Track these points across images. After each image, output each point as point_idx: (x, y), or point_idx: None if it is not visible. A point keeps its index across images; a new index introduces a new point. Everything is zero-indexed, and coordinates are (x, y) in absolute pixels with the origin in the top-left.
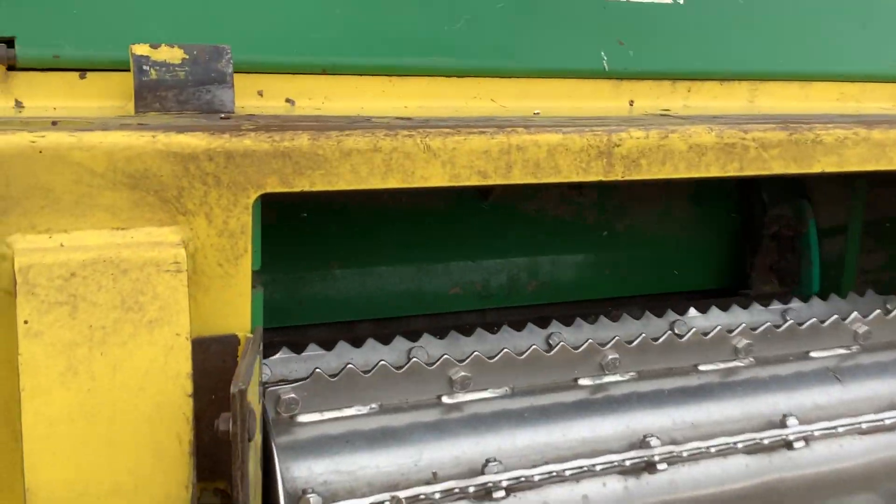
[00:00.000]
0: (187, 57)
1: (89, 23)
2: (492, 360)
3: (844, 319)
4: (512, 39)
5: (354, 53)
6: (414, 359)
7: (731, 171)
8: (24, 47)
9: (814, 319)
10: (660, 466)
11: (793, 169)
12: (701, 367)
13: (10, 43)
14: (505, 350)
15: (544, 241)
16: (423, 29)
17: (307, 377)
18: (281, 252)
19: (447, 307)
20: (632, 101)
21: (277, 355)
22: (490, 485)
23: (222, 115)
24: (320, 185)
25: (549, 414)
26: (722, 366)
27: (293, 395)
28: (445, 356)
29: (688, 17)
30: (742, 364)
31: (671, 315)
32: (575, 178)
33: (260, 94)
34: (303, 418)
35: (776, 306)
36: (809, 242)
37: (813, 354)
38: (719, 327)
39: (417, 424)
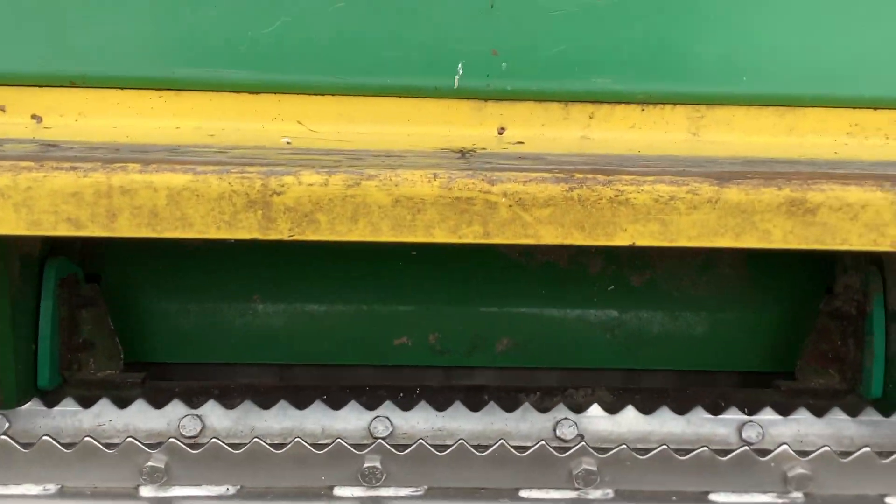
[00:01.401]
0: None
1: None
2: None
3: None
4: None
5: (115, 63)
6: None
7: (470, 236)
8: None
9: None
10: None
11: (577, 239)
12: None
13: None
14: None
15: (526, 290)
16: (209, 33)
17: None
18: (203, 281)
19: (392, 359)
20: (502, 129)
21: None
22: None
23: None
24: None
25: None
26: None
27: None
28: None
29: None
30: None
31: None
32: (214, 235)
33: (2, 109)
34: None
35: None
36: (872, 326)
37: None
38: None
39: None
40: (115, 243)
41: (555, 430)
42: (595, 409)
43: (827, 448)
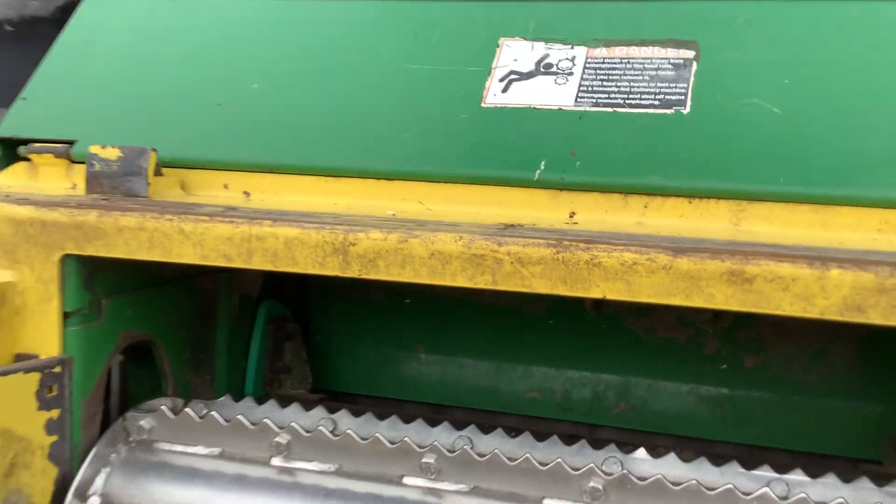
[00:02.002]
0: (122, 155)
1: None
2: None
3: None
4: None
5: (299, 157)
6: None
7: (482, 283)
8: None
9: None
10: None
11: (562, 290)
12: None
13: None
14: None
15: (647, 363)
16: (361, 136)
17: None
18: (382, 329)
19: (524, 410)
20: (572, 213)
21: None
22: None
23: (139, 198)
24: (104, 252)
25: None
26: None
27: (144, 424)
28: None
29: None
30: None
31: None
32: (312, 271)
33: (225, 186)
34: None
35: None
36: None
37: None
38: None
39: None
40: (320, 293)
41: (601, 467)
42: (641, 452)
43: None
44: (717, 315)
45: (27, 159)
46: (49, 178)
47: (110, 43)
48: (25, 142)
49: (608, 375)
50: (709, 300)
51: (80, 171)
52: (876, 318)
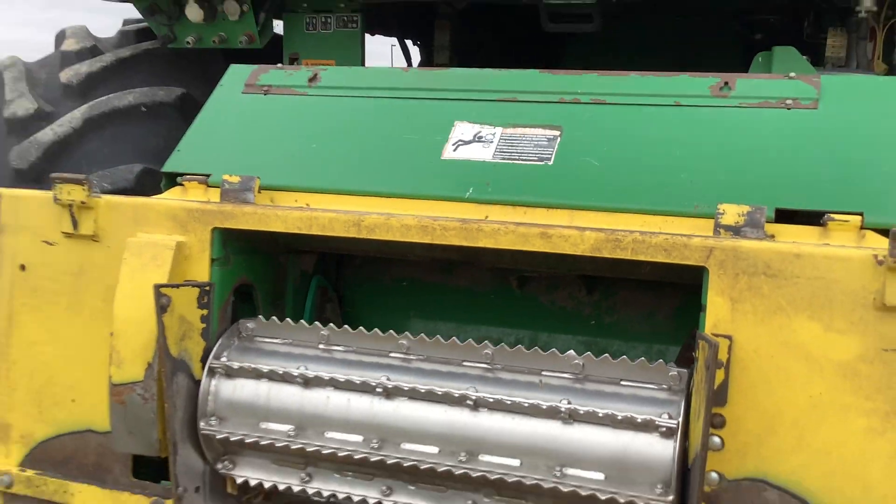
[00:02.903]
0: (240, 180)
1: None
2: None
3: None
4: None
5: (334, 184)
6: None
7: (426, 239)
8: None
9: None
10: None
11: (462, 242)
12: None
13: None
14: None
15: (549, 322)
16: (370, 172)
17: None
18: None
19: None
20: (486, 216)
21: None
22: None
23: (249, 203)
24: (233, 225)
25: None
26: None
27: (249, 325)
28: None
29: None
30: None
31: None
32: (343, 234)
33: (295, 200)
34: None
35: None
36: None
37: None
38: None
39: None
40: (351, 275)
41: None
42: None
43: None
44: (591, 291)
45: (181, 185)
46: (194, 195)
47: (227, 118)
48: (181, 174)
49: (525, 330)
50: (530, 245)
51: (212, 192)
52: (605, 253)
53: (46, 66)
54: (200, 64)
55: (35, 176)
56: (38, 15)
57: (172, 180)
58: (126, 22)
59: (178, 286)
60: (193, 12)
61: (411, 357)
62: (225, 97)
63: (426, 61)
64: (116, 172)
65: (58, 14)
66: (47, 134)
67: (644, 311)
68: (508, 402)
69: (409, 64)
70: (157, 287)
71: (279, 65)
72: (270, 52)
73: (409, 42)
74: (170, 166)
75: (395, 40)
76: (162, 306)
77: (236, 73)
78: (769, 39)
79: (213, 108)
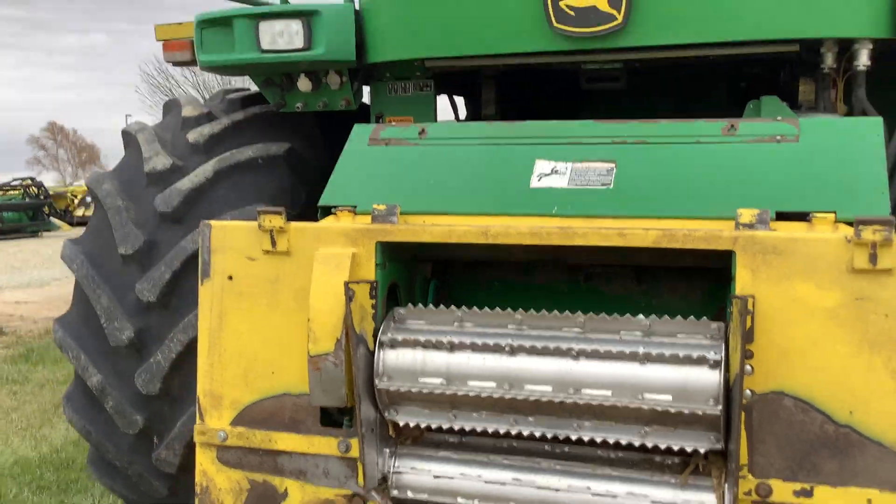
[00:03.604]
0: (386, 208)
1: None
2: None
3: None
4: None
5: (454, 208)
6: None
7: (535, 241)
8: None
9: None
10: None
11: (561, 242)
12: None
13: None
14: None
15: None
16: (477, 198)
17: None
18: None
19: None
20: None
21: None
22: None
23: (394, 224)
24: (391, 239)
25: None
26: None
27: (401, 311)
28: None
29: None
30: None
31: None
32: (472, 241)
33: (423, 221)
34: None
35: None
36: None
37: None
38: None
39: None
40: (459, 282)
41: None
42: None
43: None
44: (640, 281)
45: (334, 213)
46: (345, 221)
47: (360, 164)
48: (333, 206)
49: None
50: (610, 241)
51: (358, 218)
52: (664, 244)
53: (168, 129)
54: (298, 124)
55: (177, 218)
56: (9, 73)
57: (326, 211)
58: (227, 92)
59: (358, 283)
60: (304, 84)
61: (524, 326)
62: (356, 148)
63: (472, 114)
64: (244, 212)
65: (29, 72)
66: (185, 183)
67: (681, 293)
68: (601, 351)
69: (457, 116)
70: (347, 283)
71: (392, 123)
72: (357, 113)
73: (457, 98)
74: (324, 201)
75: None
76: (349, 297)
77: (361, 131)
78: (751, 87)
79: (348, 157)
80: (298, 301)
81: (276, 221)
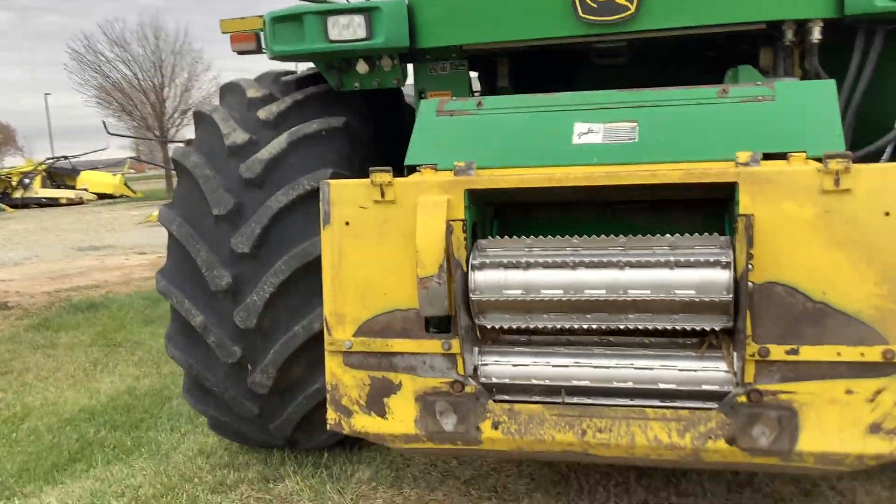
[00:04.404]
0: (465, 164)
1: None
2: None
3: None
4: None
5: (510, 161)
6: None
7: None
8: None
9: None
10: None
11: (615, 180)
12: None
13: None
14: None
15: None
16: (529, 154)
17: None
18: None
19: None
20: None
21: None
22: None
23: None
24: (474, 186)
25: None
26: None
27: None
28: None
29: None
30: None
31: None
32: (540, 184)
33: (492, 174)
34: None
35: None
36: None
37: None
38: None
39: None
40: (513, 217)
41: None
42: None
43: None
44: (654, 211)
45: (419, 170)
46: (429, 176)
47: (433, 131)
48: (417, 165)
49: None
50: (646, 180)
51: (440, 174)
52: (687, 179)
53: (234, 108)
54: (348, 101)
55: (259, 183)
56: None
57: (411, 169)
58: (279, 74)
59: (455, 220)
60: (362, 67)
61: (579, 248)
62: (427, 118)
63: (486, 87)
64: (316, 174)
65: None
66: (264, 154)
67: (688, 221)
68: (642, 261)
69: (470, 90)
70: (448, 221)
71: (454, 98)
72: (391, 91)
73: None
74: (409, 161)
75: None
76: (449, 230)
77: (428, 104)
78: (719, 56)
79: (422, 125)
80: (403, 238)
81: (385, 178)
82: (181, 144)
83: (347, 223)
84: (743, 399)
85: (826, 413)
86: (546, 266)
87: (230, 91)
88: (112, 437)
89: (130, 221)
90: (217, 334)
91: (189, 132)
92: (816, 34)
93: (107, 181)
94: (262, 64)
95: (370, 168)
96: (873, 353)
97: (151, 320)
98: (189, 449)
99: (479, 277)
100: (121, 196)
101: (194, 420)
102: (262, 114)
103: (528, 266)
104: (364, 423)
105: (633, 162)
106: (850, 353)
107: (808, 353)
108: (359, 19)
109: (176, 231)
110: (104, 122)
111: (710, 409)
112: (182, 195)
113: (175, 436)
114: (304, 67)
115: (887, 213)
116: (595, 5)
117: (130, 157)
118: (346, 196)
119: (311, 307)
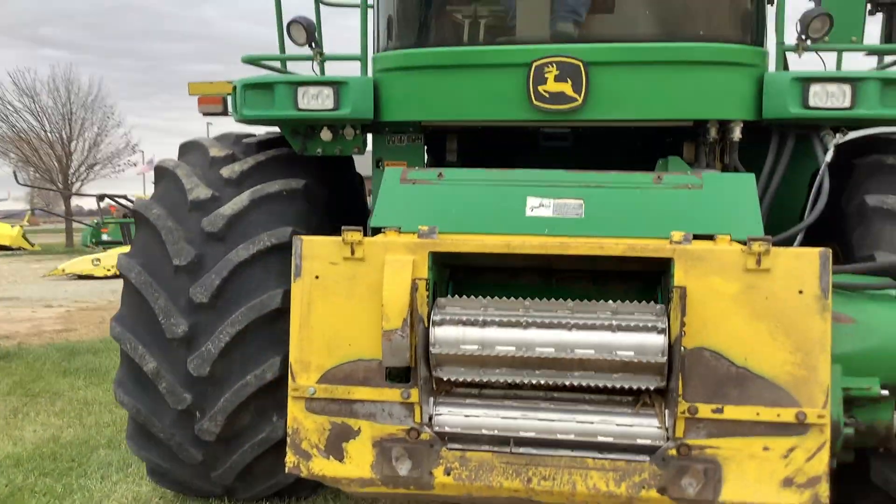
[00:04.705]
0: (428, 229)
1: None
2: None
3: None
4: None
5: (481, 230)
6: None
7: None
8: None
9: None
10: None
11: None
12: None
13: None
14: None
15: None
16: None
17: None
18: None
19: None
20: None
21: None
22: None
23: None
24: (436, 249)
25: None
26: None
27: (444, 301)
28: None
29: None
30: None
31: None
32: (495, 251)
33: (452, 239)
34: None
35: None
36: None
37: None
38: None
39: None
40: (466, 280)
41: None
42: None
43: None
44: (595, 282)
45: (384, 232)
46: (392, 238)
47: (397, 197)
48: (381, 227)
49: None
50: (591, 251)
51: (403, 236)
52: (629, 253)
53: (195, 165)
54: (306, 164)
55: (220, 237)
56: None
57: (376, 231)
58: (239, 137)
59: (419, 279)
60: (326, 135)
61: (531, 309)
62: (391, 185)
63: (434, 160)
64: (277, 232)
65: None
66: (226, 209)
67: (625, 289)
68: (587, 324)
69: (423, 160)
70: (414, 280)
71: (416, 168)
72: (345, 158)
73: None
74: (374, 223)
75: None
76: (414, 288)
77: (392, 172)
78: (648, 147)
79: (386, 192)
80: (369, 293)
81: (356, 236)
82: (92, 197)
83: (317, 277)
84: (673, 452)
85: (746, 467)
86: (501, 325)
87: (191, 149)
88: (42, 482)
89: (33, 274)
90: (169, 380)
91: (94, 187)
92: (737, 133)
93: (5, 232)
94: (169, 123)
95: (343, 227)
96: (788, 414)
97: (69, 372)
98: (123, 496)
99: (439, 332)
100: (18, 248)
101: (125, 469)
102: (226, 172)
103: (484, 324)
104: (322, 467)
105: (580, 235)
106: (767, 414)
107: (732, 412)
108: (328, 91)
109: (134, 279)
110: (14, 173)
111: (643, 461)
112: (141, 245)
113: (107, 484)
114: (262, 131)
115: (801, 291)
116: (547, 95)
117: (37, 209)
118: (317, 251)
119: (265, 357)
